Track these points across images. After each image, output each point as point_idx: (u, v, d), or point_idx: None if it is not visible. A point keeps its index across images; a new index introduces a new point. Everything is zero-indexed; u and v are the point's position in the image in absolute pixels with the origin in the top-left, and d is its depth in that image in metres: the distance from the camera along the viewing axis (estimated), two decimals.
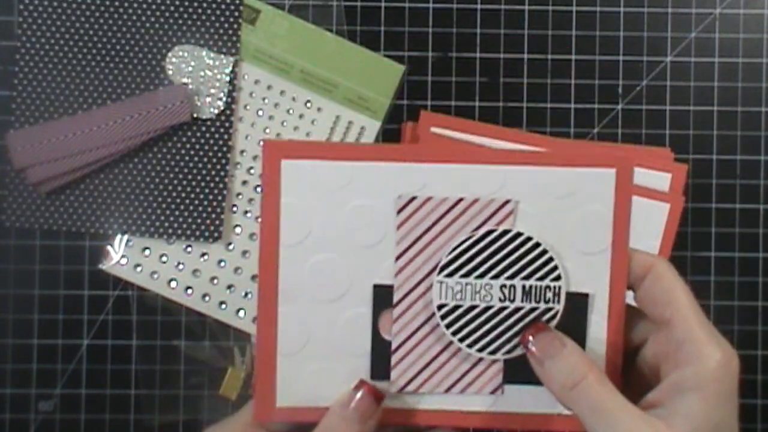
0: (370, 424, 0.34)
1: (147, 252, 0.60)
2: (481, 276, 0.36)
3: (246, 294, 0.60)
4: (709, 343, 0.32)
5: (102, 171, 0.60)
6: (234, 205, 0.61)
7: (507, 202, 0.36)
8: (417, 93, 0.62)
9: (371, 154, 0.35)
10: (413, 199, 0.35)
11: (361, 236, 0.36)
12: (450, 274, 0.35)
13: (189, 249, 0.60)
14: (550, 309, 0.36)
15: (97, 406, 0.61)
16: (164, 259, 0.60)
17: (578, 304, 0.36)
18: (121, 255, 0.60)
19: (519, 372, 0.36)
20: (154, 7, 0.60)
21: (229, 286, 0.60)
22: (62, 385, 0.61)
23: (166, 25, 0.60)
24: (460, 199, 0.36)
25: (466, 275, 0.36)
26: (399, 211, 0.36)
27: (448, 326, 0.35)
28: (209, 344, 0.61)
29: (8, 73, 0.60)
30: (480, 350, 0.36)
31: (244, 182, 0.61)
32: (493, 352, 0.36)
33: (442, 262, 0.35)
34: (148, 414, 0.61)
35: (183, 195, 0.60)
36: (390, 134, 0.61)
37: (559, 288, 0.36)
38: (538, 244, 0.36)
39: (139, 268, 0.60)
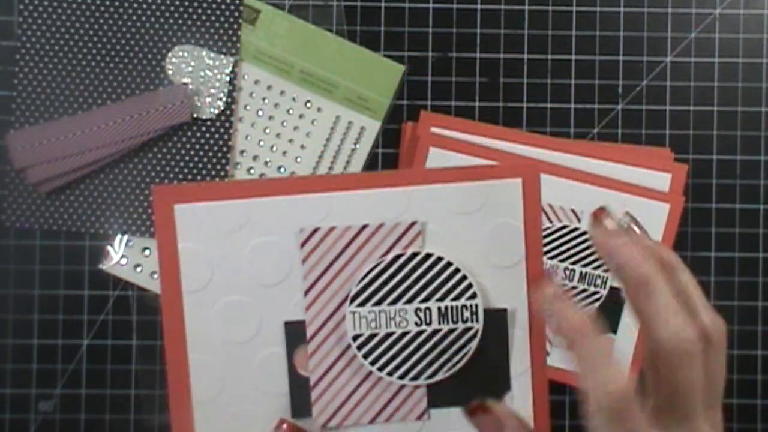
0: None
1: (147, 252, 0.60)
2: (395, 302, 0.35)
3: None
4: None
5: (102, 171, 0.60)
6: None
7: (413, 224, 0.35)
8: (417, 93, 0.62)
9: (268, 190, 0.34)
10: (316, 230, 0.35)
11: (267, 274, 0.35)
12: (362, 303, 0.35)
13: None
14: (469, 329, 0.35)
15: (97, 406, 0.61)
16: None
17: (498, 320, 0.35)
18: (121, 255, 0.60)
19: (443, 395, 0.35)
20: (154, 7, 0.60)
21: None
22: (62, 385, 0.61)
23: (166, 25, 0.60)
24: (365, 226, 0.35)
25: (379, 302, 0.35)
26: (302, 245, 0.35)
27: (365, 356, 0.35)
28: None
29: (8, 73, 0.60)
30: (401, 377, 0.35)
31: None
32: (414, 378, 0.35)
33: (353, 292, 0.35)
34: (148, 414, 0.61)
35: None
36: (390, 134, 0.61)
37: (476, 306, 0.35)
38: (449, 264, 0.35)
39: (139, 268, 0.60)
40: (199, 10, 0.60)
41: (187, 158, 0.60)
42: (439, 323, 0.35)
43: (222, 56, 0.60)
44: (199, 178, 0.60)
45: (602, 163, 0.60)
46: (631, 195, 0.59)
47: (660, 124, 0.62)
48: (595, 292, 0.59)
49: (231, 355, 0.35)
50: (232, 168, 0.60)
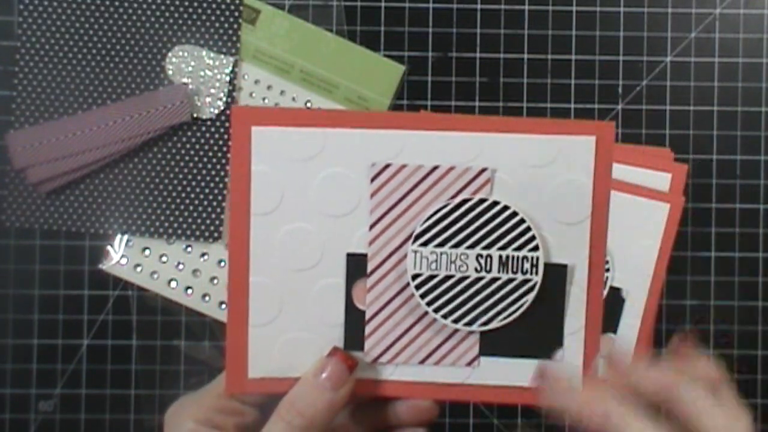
0: (341, 393, 0.33)
1: (147, 252, 0.60)
2: (457, 245, 0.35)
3: None
4: None
5: (102, 171, 0.60)
6: None
7: (483, 170, 0.35)
8: (417, 93, 0.62)
9: (345, 121, 0.35)
10: (387, 166, 0.35)
11: (334, 205, 0.35)
12: (425, 243, 0.35)
13: (189, 249, 0.60)
14: (527, 280, 0.35)
15: (97, 406, 0.61)
16: (164, 259, 0.60)
17: (557, 275, 0.35)
18: (121, 255, 0.60)
19: (495, 344, 0.35)
20: (154, 7, 0.60)
21: None
22: (62, 385, 0.61)
23: (166, 25, 0.60)
24: (436, 167, 0.35)
25: (441, 244, 0.35)
26: (372, 179, 0.35)
27: (422, 296, 0.35)
28: (209, 344, 0.61)
29: (8, 73, 0.60)
30: (455, 321, 0.35)
31: None
32: (469, 324, 0.35)
33: (417, 231, 0.35)
34: (148, 414, 0.61)
35: (183, 195, 0.60)
36: None
37: (537, 259, 0.35)
38: (515, 214, 0.35)
39: (139, 268, 0.60)
40: (199, 10, 0.60)
41: (187, 158, 0.60)
42: (499, 271, 0.35)
43: (222, 56, 0.60)
44: (198, 178, 0.60)
45: None
46: (631, 195, 0.59)
47: (660, 124, 0.62)
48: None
49: (291, 282, 0.35)
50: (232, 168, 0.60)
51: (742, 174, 0.62)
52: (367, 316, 0.35)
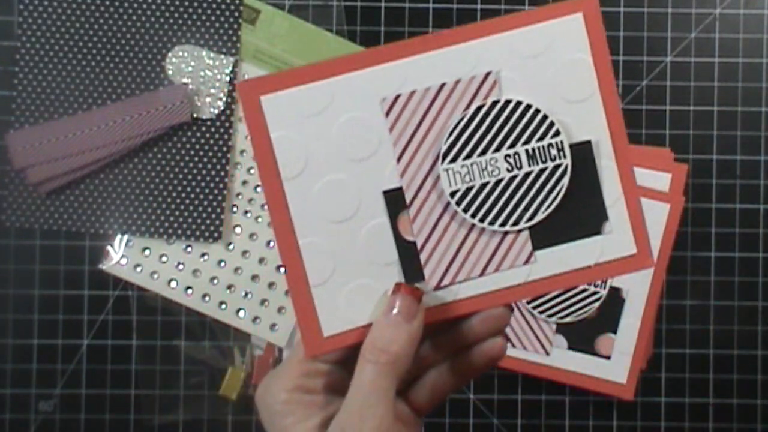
0: (416, 324, 0.33)
1: (147, 252, 0.60)
2: (484, 152, 0.36)
3: (246, 294, 0.60)
4: None
5: (102, 171, 0.60)
6: (234, 205, 0.61)
7: (488, 74, 0.36)
8: None
9: (346, 66, 0.35)
10: (398, 97, 0.35)
11: (358, 148, 0.35)
12: (453, 159, 0.35)
13: (189, 249, 0.60)
14: (558, 165, 0.36)
15: (97, 406, 0.61)
16: (164, 259, 0.60)
17: (584, 152, 0.36)
18: (121, 255, 0.60)
19: (546, 235, 0.36)
20: (154, 7, 0.60)
21: (229, 286, 0.60)
22: (62, 385, 0.61)
23: (166, 25, 0.60)
24: (443, 84, 0.35)
25: (469, 156, 0.36)
26: (387, 113, 0.35)
27: (465, 210, 0.35)
28: (209, 344, 0.61)
29: (8, 73, 0.60)
30: (502, 224, 0.36)
31: (244, 182, 0.61)
32: (515, 223, 0.36)
33: (443, 150, 0.35)
34: (148, 414, 0.61)
35: (183, 195, 0.60)
36: None
37: (562, 142, 0.36)
38: (529, 106, 0.35)
39: (139, 268, 0.60)
40: (199, 10, 0.60)
41: (187, 158, 0.60)
42: (529, 165, 0.36)
43: (222, 56, 0.60)
44: (198, 178, 0.60)
45: None
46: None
47: (660, 124, 0.62)
48: (595, 292, 0.59)
49: (338, 234, 0.35)
50: (232, 168, 0.60)
51: (742, 174, 0.62)
52: (419, 245, 0.36)
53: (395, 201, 0.36)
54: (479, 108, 0.35)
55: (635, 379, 0.60)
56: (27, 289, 0.61)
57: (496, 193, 0.36)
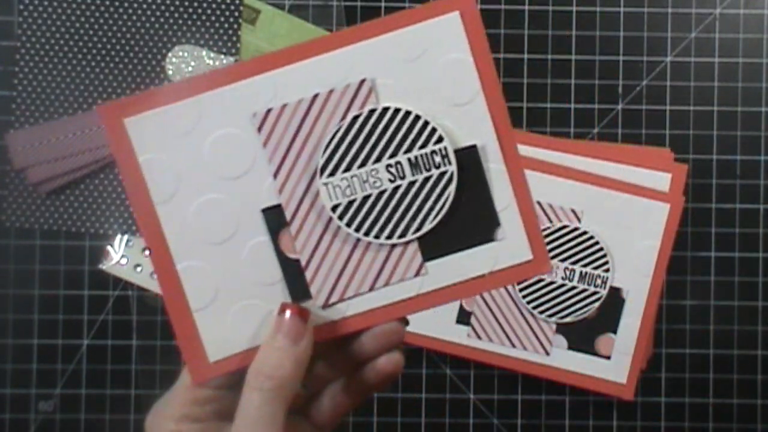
0: (303, 345, 0.32)
1: (147, 252, 0.60)
2: (363, 164, 0.34)
3: None
4: None
5: (102, 171, 0.60)
6: None
7: (363, 81, 0.34)
8: None
9: (212, 82, 0.34)
10: (269, 111, 0.34)
11: (232, 166, 0.34)
12: (332, 173, 0.34)
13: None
14: (444, 173, 0.34)
15: (97, 406, 0.61)
16: None
17: (470, 157, 0.35)
18: (121, 255, 0.60)
19: (436, 246, 0.35)
20: (154, 7, 0.60)
21: None
22: (62, 385, 0.61)
23: (166, 25, 0.60)
24: (316, 95, 0.34)
25: (348, 168, 0.34)
26: (259, 129, 0.34)
27: (348, 224, 0.34)
28: None
29: (8, 73, 0.60)
30: (388, 237, 0.34)
31: None
32: (402, 235, 0.34)
33: (320, 164, 0.34)
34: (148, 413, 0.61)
35: None
36: None
37: (445, 148, 0.34)
38: (408, 113, 0.34)
39: (139, 268, 0.60)
40: (199, 10, 0.60)
41: None
42: (413, 174, 0.34)
43: (222, 56, 0.60)
44: None
45: (602, 163, 0.60)
46: (631, 195, 0.59)
47: (660, 124, 0.62)
48: (595, 292, 0.59)
49: (218, 256, 0.34)
50: None
51: (742, 174, 0.62)
52: (303, 262, 0.34)
53: (275, 218, 0.34)
54: (356, 118, 0.34)
55: (635, 379, 0.60)
56: (27, 289, 0.61)
57: (379, 205, 0.34)
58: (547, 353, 0.60)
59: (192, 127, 0.34)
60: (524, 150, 0.60)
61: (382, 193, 0.34)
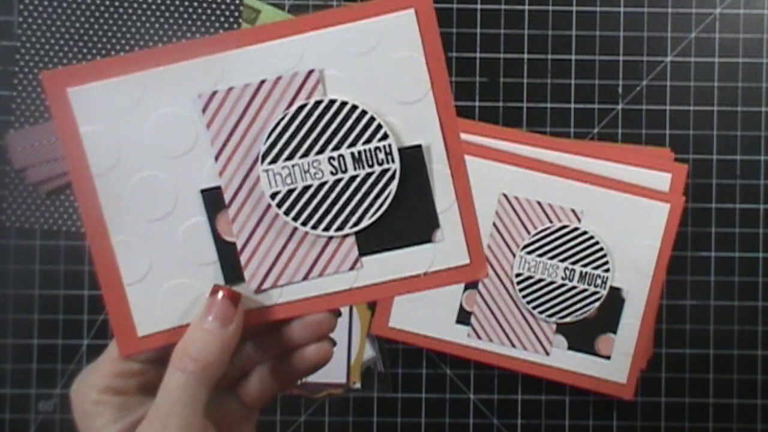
0: (231, 329, 0.32)
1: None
2: (306, 154, 0.34)
3: None
4: None
5: None
6: None
7: (311, 71, 0.34)
8: None
9: (159, 59, 0.34)
10: (214, 93, 0.34)
11: (173, 145, 0.34)
12: (274, 160, 0.34)
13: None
14: (386, 170, 0.34)
15: None
16: None
17: (415, 157, 0.34)
18: None
19: (374, 241, 0.35)
20: (154, 7, 0.60)
21: None
22: (62, 385, 0.61)
23: (166, 25, 0.60)
24: (263, 81, 0.34)
25: (290, 157, 0.34)
26: (204, 110, 0.34)
27: (287, 213, 0.34)
28: None
29: (8, 73, 0.60)
30: (326, 229, 0.34)
31: None
32: (340, 228, 0.34)
33: (263, 150, 0.34)
34: None
35: None
36: None
37: (390, 146, 0.34)
38: (355, 107, 0.34)
39: None
40: (199, 10, 0.60)
41: None
42: (355, 169, 0.34)
43: None
44: None
45: (602, 163, 0.60)
46: (631, 195, 0.59)
47: (660, 124, 0.62)
48: (595, 292, 0.59)
49: (153, 232, 0.34)
50: None
51: (742, 174, 0.62)
52: (239, 246, 0.34)
53: (214, 200, 0.34)
54: (301, 107, 0.34)
55: (635, 379, 0.60)
56: (27, 289, 0.61)
57: (319, 196, 0.34)
58: (547, 353, 0.60)
59: (136, 102, 0.34)
60: (524, 150, 0.60)
61: (322, 184, 0.34)
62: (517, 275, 0.59)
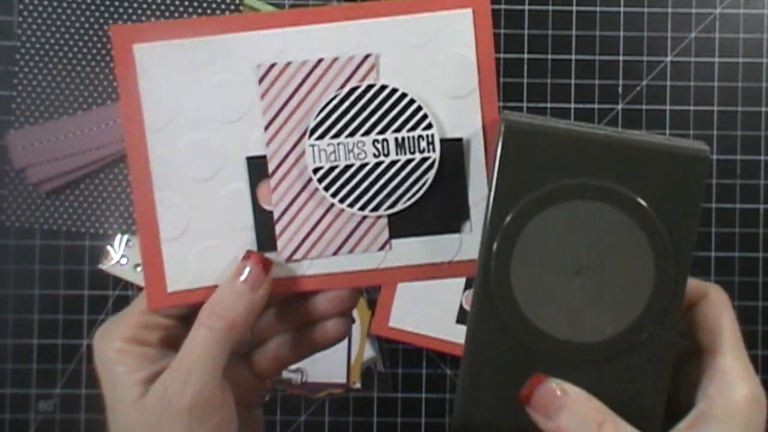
0: (260, 294, 0.33)
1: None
2: (352, 134, 0.35)
3: None
4: (741, 377, 0.33)
5: (102, 171, 0.60)
6: None
7: (367, 56, 0.35)
8: None
9: (226, 27, 0.35)
10: (273, 65, 0.35)
11: (226, 111, 0.35)
12: (321, 136, 0.35)
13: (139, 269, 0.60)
14: (426, 159, 0.35)
15: (97, 406, 0.61)
16: None
17: (454, 149, 0.35)
18: (121, 255, 0.60)
19: (404, 225, 0.35)
20: (154, 6, 0.60)
21: None
22: (62, 385, 0.61)
23: None
24: (320, 60, 0.35)
25: (337, 135, 0.35)
26: (261, 80, 0.35)
27: (326, 188, 0.35)
28: None
29: (8, 73, 0.60)
30: (362, 208, 0.35)
31: None
32: (375, 209, 0.35)
33: (311, 125, 0.35)
34: None
35: None
36: None
37: (432, 136, 0.35)
38: (404, 95, 0.35)
39: (139, 268, 0.60)
40: (199, 10, 0.60)
41: None
42: (397, 154, 0.35)
43: None
44: None
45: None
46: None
47: (660, 124, 0.62)
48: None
49: (196, 192, 0.35)
50: None
51: (742, 174, 0.62)
52: (276, 215, 0.35)
53: (257, 168, 0.35)
54: (354, 89, 0.35)
55: None
56: (27, 289, 0.61)
57: (359, 176, 0.35)
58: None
59: (197, 65, 0.35)
60: None
61: (364, 165, 0.35)
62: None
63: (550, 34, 0.62)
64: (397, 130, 0.35)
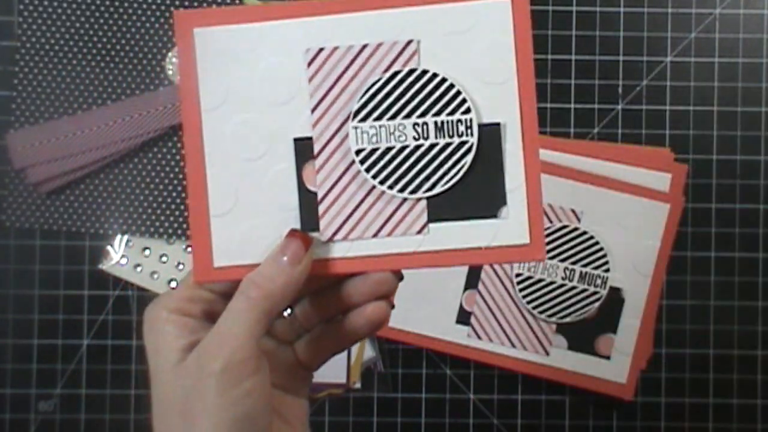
0: (299, 269, 0.34)
1: (147, 252, 0.60)
2: (394, 117, 0.37)
3: None
4: None
5: (102, 171, 0.60)
6: None
7: (410, 42, 0.37)
8: None
9: (278, 14, 0.37)
10: (320, 50, 0.37)
11: (276, 93, 0.37)
12: (363, 119, 0.36)
13: (189, 249, 0.60)
14: (464, 143, 0.36)
15: (97, 406, 0.61)
16: (164, 259, 0.60)
17: (492, 134, 0.37)
18: (121, 255, 0.60)
19: (443, 209, 0.37)
20: (154, 7, 0.60)
21: None
22: (62, 385, 0.61)
23: (166, 25, 0.60)
24: (365, 45, 0.37)
25: (379, 118, 0.36)
26: (309, 64, 0.37)
27: (368, 170, 0.36)
28: None
29: (8, 73, 0.61)
30: (401, 190, 0.36)
31: None
32: (414, 191, 0.36)
33: (355, 108, 0.36)
34: (148, 414, 0.61)
35: (183, 195, 0.60)
36: None
37: (471, 120, 0.36)
38: (444, 80, 0.36)
39: (139, 268, 0.60)
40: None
41: None
42: (436, 137, 0.37)
43: None
44: None
45: (602, 163, 0.60)
46: (630, 195, 0.59)
47: (660, 124, 0.62)
48: (595, 292, 0.59)
49: (245, 171, 0.37)
50: None
51: (742, 174, 0.62)
52: (319, 196, 0.37)
53: (303, 150, 0.37)
54: (396, 73, 0.36)
55: (635, 379, 0.60)
56: (27, 289, 0.61)
57: (399, 158, 0.36)
58: (547, 353, 0.60)
59: (251, 49, 0.37)
60: None
61: (404, 147, 0.36)
62: (517, 275, 0.59)
63: (550, 34, 0.62)
64: (437, 113, 0.36)
